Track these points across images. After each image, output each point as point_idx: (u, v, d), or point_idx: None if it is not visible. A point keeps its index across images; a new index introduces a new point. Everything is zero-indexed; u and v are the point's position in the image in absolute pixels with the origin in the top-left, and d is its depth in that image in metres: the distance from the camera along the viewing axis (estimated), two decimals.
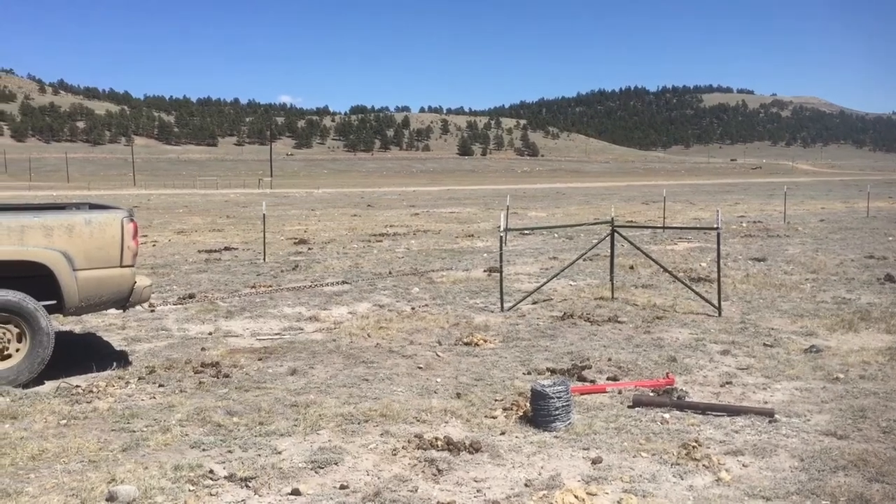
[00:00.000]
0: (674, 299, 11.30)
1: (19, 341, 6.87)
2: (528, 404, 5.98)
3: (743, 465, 5.02)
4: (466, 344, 8.65)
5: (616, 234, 12.06)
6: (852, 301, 11.10)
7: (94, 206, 8.20)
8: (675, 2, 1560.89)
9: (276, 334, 9.40)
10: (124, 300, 7.50)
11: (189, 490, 4.60)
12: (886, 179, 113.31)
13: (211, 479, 4.76)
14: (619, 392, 6.66)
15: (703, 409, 6.13)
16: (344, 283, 13.36)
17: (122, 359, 8.02)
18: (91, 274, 7.10)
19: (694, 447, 5.22)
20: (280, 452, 5.25)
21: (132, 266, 7.41)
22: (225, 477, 4.79)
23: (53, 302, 7.09)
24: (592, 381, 7.06)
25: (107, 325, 9.76)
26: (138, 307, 9.72)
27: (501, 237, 11.66)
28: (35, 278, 6.96)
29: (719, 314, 10.08)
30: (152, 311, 10.33)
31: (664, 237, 21.42)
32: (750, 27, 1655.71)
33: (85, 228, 7.10)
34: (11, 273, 6.87)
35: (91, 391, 6.72)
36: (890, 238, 20.54)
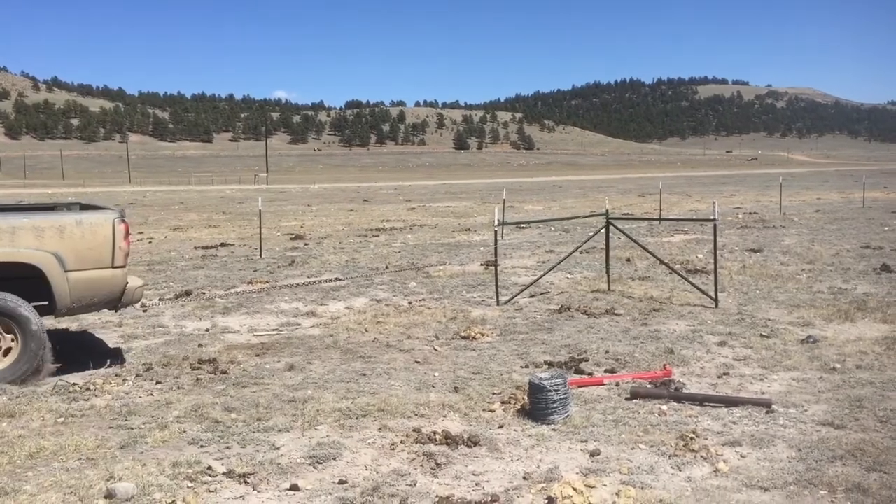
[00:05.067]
0: (670, 291, 11.31)
1: (12, 343, 6.85)
2: (525, 397, 5.98)
3: (741, 456, 5.03)
4: (464, 338, 8.64)
5: (612, 227, 12.06)
6: (848, 291, 11.11)
7: (84, 207, 8.15)
8: None
9: (274, 330, 9.40)
10: (116, 301, 7.47)
11: (187, 487, 4.60)
12: (882, 169, 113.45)
13: (209, 475, 4.76)
14: (617, 384, 6.66)
15: (700, 400, 6.14)
16: (339, 278, 13.34)
17: (118, 356, 8.01)
18: (82, 275, 7.07)
19: (692, 438, 5.23)
20: (278, 448, 5.25)
21: (124, 267, 7.38)
22: (223, 473, 4.79)
23: (45, 303, 7.06)
24: (590, 374, 7.07)
25: (103, 322, 9.74)
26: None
27: (496, 231, 11.66)
28: (26, 279, 6.93)
29: (716, 305, 10.09)
30: (144, 310, 10.31)
31: (660, 229, 21.43)
32: (744, 18, 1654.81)
33: (76, 229, 7.06)
34: (2, 275, 6.84)
35: (88, 389, 6.72)
36: (886, 228, 20.57)
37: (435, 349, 8.18)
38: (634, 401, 6.19)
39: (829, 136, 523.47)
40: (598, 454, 5.07)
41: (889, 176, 77.58)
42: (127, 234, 7.41)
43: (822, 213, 27.38)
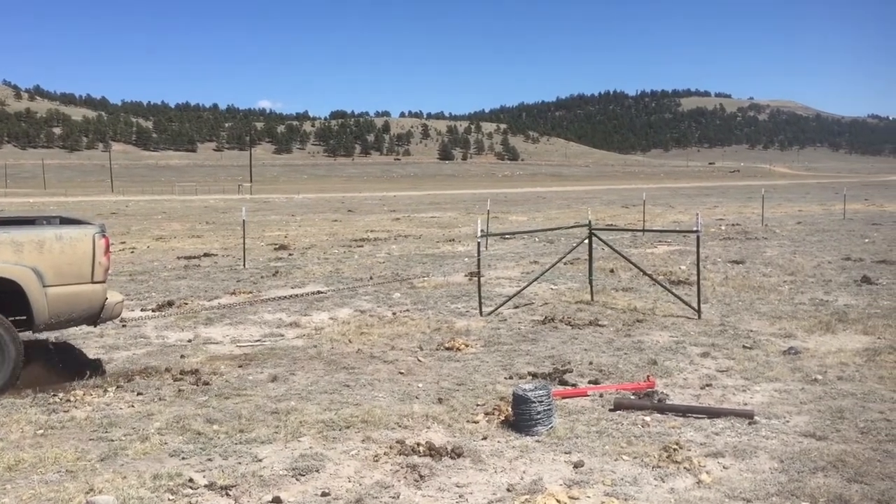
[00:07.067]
0: (654, 302, 11.36)
1: None
2: (509, 409, 5.98)
3: (723, 467, 5.04)
4: (448, 349, 8.63)
5: (595, 238, 12.11)
6: (830, 303, 11.20)
7: (65, 221, 8.09)
8: (654, 6, 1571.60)
9: (257, 341, 9.35)
10: (95, 316, 7.41)
11: (168, 499, 4.56)
12: (862, 182, 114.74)
13: (191, 487, 4.72)
14: (601, 395, 6.67)
15: (683, 411, 6.16)
16: (320, 291, 13.30)
17: (99, 367, 7.94)
18: (61, 290, 7.01)
19: (675, 450, 5.24)
20: (261, 460, 5.21)
21: (103, 282, 7.33)
22: (205, 485, 4.75)
23: (23, 318, 7.00)
24: (574, 385, 7.08)
25: (84, 333, 9.64)
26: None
27: (479, 242, 11.66)
28: (4, 294, 6.87)
29: (699, 317, 10.14)
30: (124, 325, 10.20)
31: (644, 240, 21.52)
32: (727, 31, 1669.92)
33: (56, 244, 7.00)
34: None
35: (68, 400, 6.65)
36: (866, 240, 20.77)
37: (419, 360, 8.16)
38: (618, 412, 6.20)
39: (810, 149, 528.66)
40: (582, 466, 5.08)
41: (869, 188, 78.44)
42: (107, 249, 7.36)
43: (804, 224, 27.61)
